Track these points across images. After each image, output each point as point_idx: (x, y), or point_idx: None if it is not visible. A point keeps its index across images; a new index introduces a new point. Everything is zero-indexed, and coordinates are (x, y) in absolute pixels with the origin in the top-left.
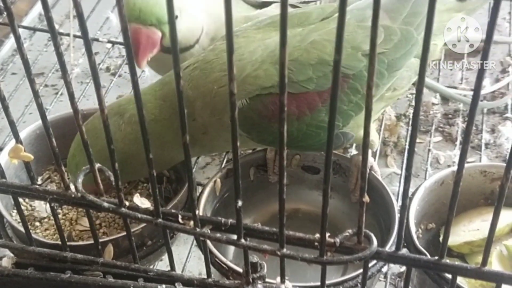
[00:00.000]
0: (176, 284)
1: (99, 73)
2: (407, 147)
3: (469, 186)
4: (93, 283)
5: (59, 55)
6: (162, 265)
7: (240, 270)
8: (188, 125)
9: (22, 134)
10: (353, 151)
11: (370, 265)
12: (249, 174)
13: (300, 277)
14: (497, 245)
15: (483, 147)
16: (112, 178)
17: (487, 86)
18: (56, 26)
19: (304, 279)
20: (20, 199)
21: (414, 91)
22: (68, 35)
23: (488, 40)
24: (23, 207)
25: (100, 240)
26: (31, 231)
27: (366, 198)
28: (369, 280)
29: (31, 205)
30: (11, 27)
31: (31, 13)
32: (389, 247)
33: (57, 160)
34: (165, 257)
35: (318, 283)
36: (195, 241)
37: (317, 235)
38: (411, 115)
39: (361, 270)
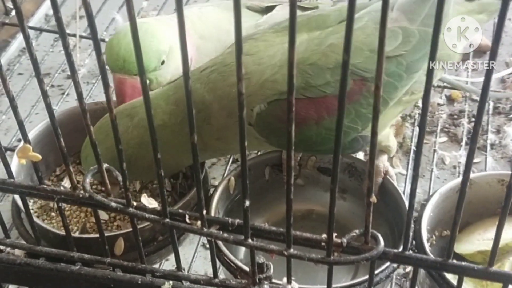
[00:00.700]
0: (183, 281)
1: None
2: (413, 147)
3: (486, 194)
4: (102, 276)
5: (68, 55)
6: (168, 264)
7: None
8: (202, 129)
9: (31, 134)
10: None
11: (379, 270)
12: (264, 173)
13: (312, 279)
14: (510, 255)
15: (488, 148)
16: (120, 178)
17: (493, 87)
18: None
19: (315, 281)
20: None
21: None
22: (74, 35)
23: (497, 40)
24: None
25: (111, 234)
26: (46, 221)
27: (373, 199)
28: (378, 286)
29: None
30: (21, 27)
31: (37, 13)
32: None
33: (65, 160)
34: (171, 257)
35: (325, 286)
36: (201, 241)
37: (324, 235)
38: (416, 116)
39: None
